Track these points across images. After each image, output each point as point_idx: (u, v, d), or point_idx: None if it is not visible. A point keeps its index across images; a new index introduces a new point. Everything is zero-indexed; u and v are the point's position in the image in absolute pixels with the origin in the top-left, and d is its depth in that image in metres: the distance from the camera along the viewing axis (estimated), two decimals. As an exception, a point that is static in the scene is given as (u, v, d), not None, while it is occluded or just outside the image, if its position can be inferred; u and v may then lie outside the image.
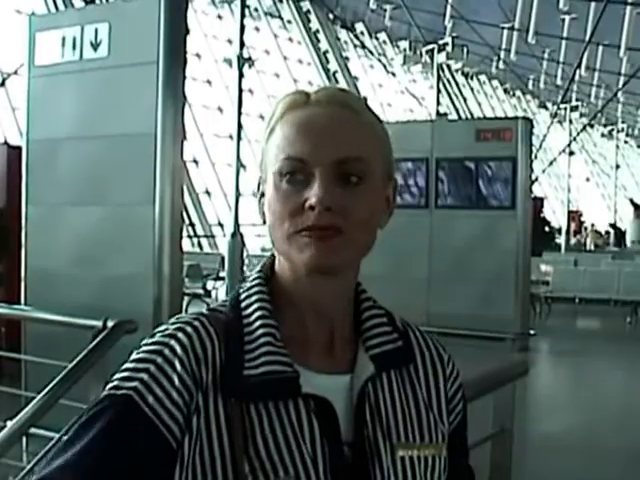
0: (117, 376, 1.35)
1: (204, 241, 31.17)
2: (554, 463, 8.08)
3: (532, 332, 15.88)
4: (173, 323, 1.39)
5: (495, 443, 5.48)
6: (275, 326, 1.39)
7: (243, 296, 1.45)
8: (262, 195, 1.44)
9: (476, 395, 4.60)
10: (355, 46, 48.37)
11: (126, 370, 1.34)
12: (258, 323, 1.40)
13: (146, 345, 1.37)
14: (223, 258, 21.53)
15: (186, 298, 15.86)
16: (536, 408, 10.33)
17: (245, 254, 19.85)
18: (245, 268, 19.88)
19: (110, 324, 5.30)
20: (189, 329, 1.37)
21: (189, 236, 28.54)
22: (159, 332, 1.38)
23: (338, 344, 1.45)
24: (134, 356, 1.37)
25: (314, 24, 44.73)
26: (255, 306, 1.42)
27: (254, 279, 1.47)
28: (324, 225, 1.33)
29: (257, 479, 1.29)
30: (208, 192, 32.86)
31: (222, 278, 20.99)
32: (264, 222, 1.42)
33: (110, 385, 1.34)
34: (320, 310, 1.43)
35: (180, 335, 1.36)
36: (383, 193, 1.45)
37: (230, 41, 26.62)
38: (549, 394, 11.64)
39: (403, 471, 1.41)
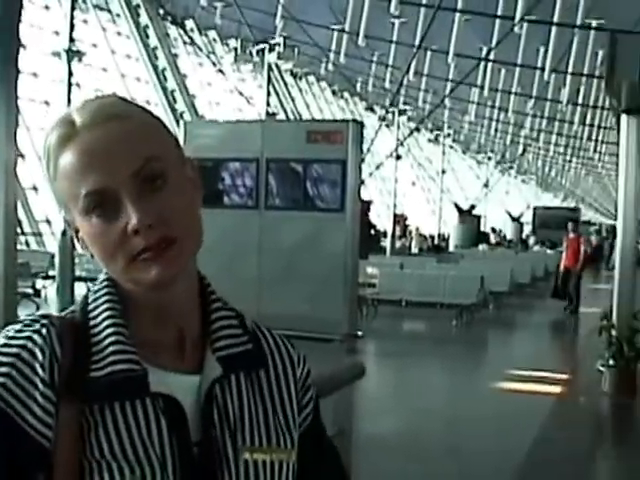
0: None
1: (31, 239, 30.44)
2: (384, 463, 8.18)
3: (359, 334, 16.04)
4: (20, 327, 1.34)
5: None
6: (123, 325, 1.37)
7: (91, 299, 1.42)
8: (77, 231, 1.37)
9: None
10: (185, 43, 48.00)
11: None
12: (105, 324, 1.37)
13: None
14: (52, 256, 21.20)
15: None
16: (364, 410, 10.39)
17: (76, 252, 19.41)
18: (76, 267, 19.51)
19: None
20: (43, 331, 1.33)
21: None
22: (6, 333, 1.33)
23: (188, 345, 1.43)
24: None
25: (143, 19, 44.16)
26: (102, 307, 1.39)
27: (102, 283, 1.42)
28: (155, 242, 1.30)
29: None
30: (35, 188, 32.04)
31: (52, 277, 20.59)
32: (92, 256, 1.36)
33: None
34: (166, 314, 1.41)
35: (36, 337, 1.32)
36: (186, 177, 1.40)
37: (57, 33, 25.96)
38: (376, 396, 11.72)
39: (246, 474, 1.40)
